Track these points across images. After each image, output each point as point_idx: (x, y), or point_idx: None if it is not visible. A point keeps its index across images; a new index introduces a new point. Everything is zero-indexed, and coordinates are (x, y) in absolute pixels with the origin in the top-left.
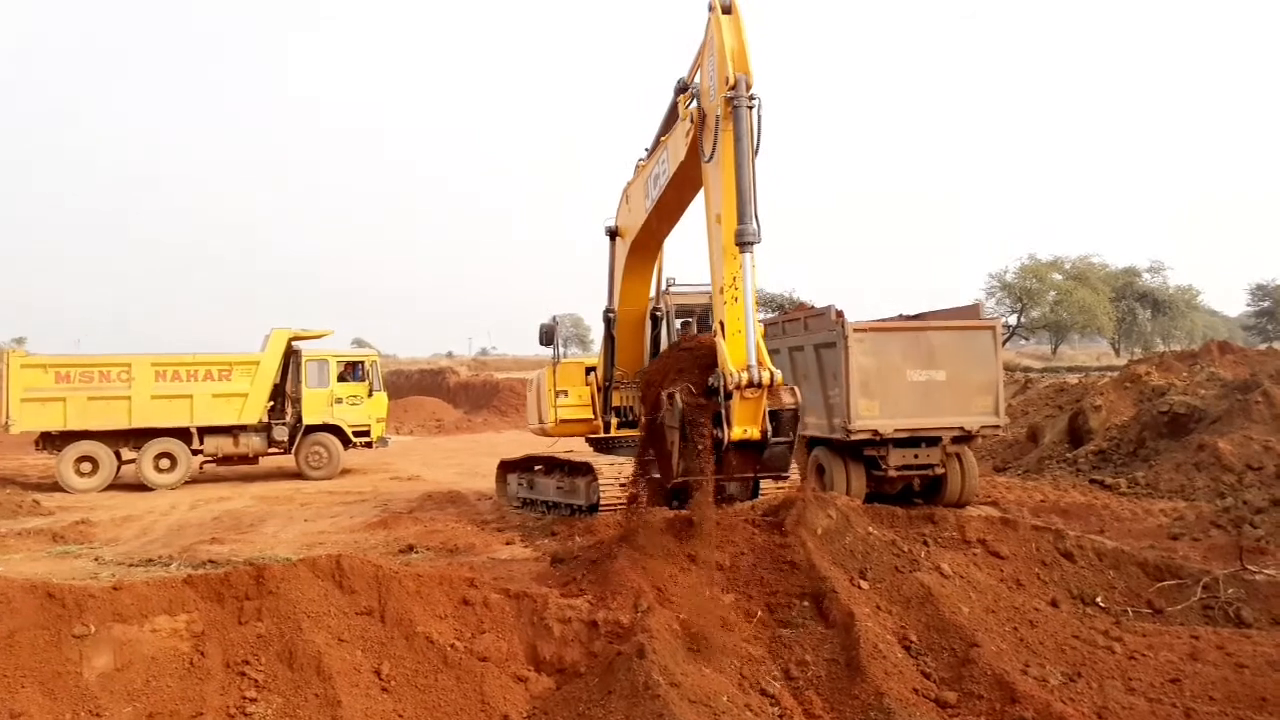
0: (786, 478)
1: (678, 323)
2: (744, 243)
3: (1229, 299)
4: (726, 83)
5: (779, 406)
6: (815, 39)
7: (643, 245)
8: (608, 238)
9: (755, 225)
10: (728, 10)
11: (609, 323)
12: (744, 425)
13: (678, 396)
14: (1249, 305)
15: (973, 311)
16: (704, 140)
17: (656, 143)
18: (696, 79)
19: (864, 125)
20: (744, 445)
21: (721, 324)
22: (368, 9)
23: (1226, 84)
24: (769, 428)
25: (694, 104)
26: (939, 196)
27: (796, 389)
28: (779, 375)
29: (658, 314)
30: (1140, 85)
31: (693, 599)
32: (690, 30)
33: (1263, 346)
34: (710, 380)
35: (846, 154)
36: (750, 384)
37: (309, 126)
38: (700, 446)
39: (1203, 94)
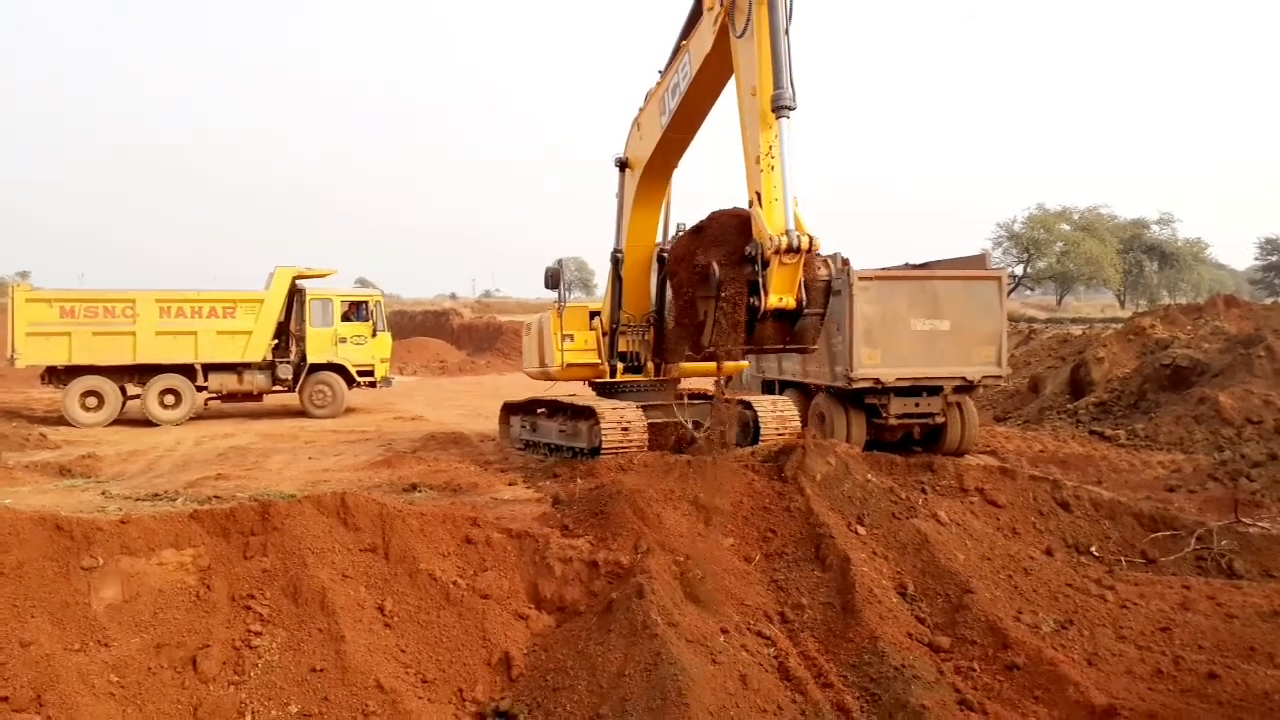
0: (813, 350)
1: None
2: (780, 107)
3: (1238, 253)
4: None
5: (812, 277)
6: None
7: (655, 171)
8: (617, 169)
9: (791, 91)
10: None
11: (616, 263)
12: (780, 293)
13: (714, 265)
14: (1257, 259)
15: (979, 261)
16: (736, 18)
17: (675, 52)
18: None
19: (896, 85)
20: (779, 315)
21: (758, 194)
22: None
23: (1237, 43)
24: (804, 297)
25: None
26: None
27: (830, 260)
28: (818, 240)
29: (665, 256)
30: (1158, 43)
31: (692, 542)
32: None
33: (1269, 301)
34: (747, 249)
35: (867, 124)
36: (790, 248)
37: (317, 51)
38: (736, 317)
39: (1214, 51)
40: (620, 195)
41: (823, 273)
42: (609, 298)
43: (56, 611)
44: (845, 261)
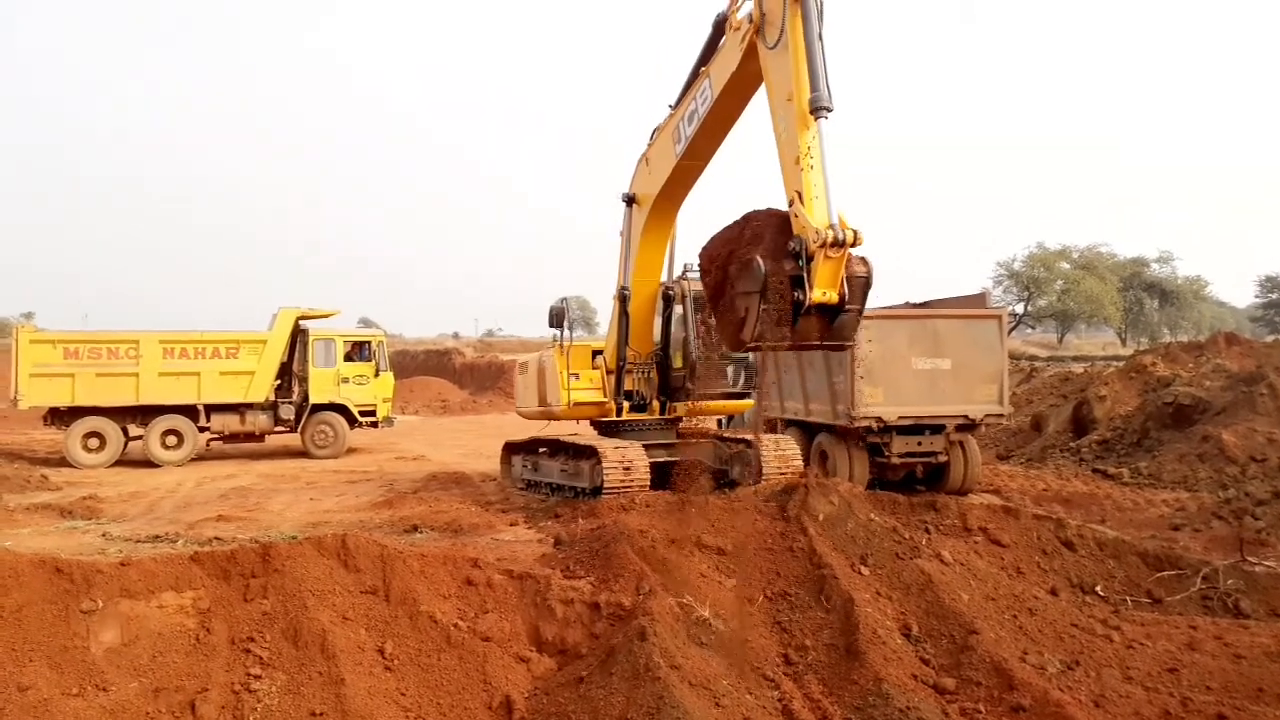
0: (850, 347)
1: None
2: (818, 108)
3: (1238, 290)
4: None
5: (852, 274)
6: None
7: (664, 205)
8: (624, 204)
9: (828, 93)
10: None
11: (624, 300)
12: (824, 287)
13: (759, 259)
14: (1258, 296)
15: (979, 300)
16: (768, 31)
17: (690, 81)
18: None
19: (877, 109)
20: (821, 310)
21: (798, 193)
22: None
23: (1234, 78)
24: (845, 292)
25: (743, 11)
26: (948, 185)
27: (868, 259)
28: (862, 234)
29: (670, 294)
30: (1155, 81)
31: (695, 584)
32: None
33: (1270, 338)
34: (790, 244)
35: (860, 141)
36: (835, 242)
37: (322, 99)
38: (781, 309)
39: (1211, 89)
40: (626, 231)
41: (861, 270)
42: (614, 335)
43: (55, 655)
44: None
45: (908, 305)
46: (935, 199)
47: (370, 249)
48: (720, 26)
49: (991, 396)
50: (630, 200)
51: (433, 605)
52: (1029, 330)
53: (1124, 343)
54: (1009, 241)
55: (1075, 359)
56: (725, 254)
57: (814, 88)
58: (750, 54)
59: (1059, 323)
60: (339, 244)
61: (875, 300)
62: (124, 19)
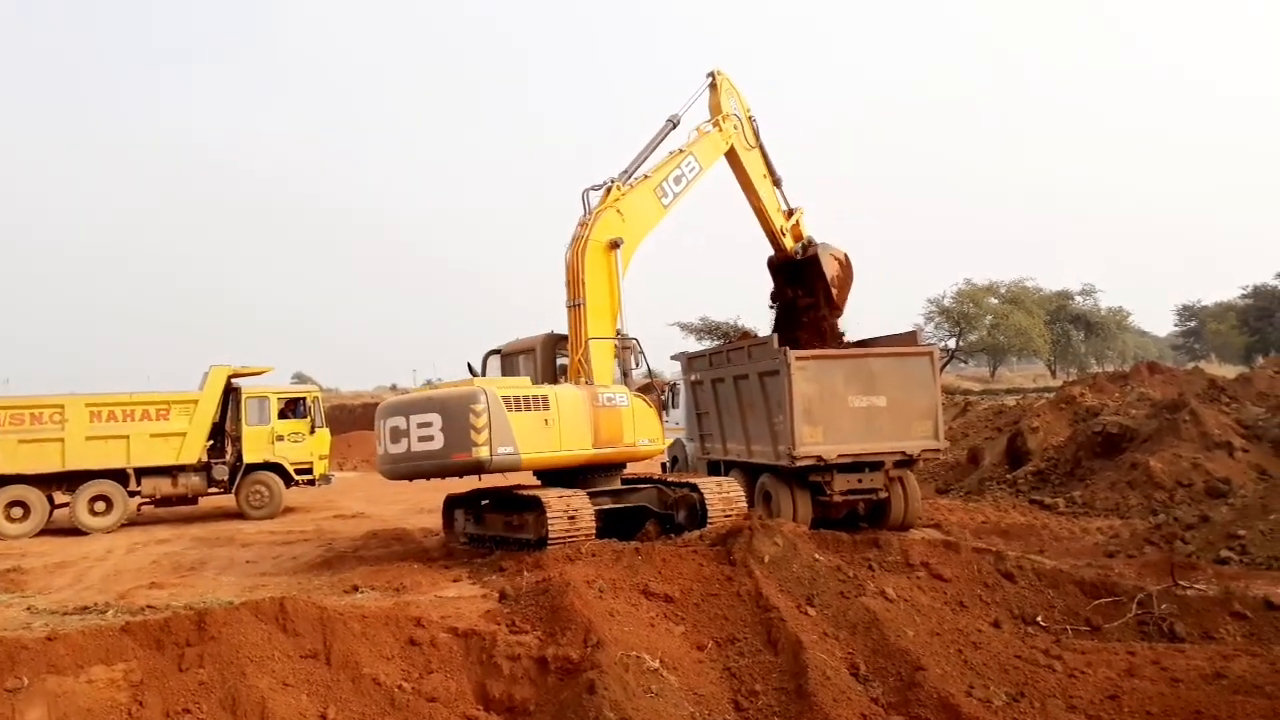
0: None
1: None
2: (778, 180)
3: (1157, 320)
4: (747, 111)
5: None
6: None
7: (634, 251)
8: (610, 250)
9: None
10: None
11: (623, 345)
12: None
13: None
14: (1176, 325)
15: (911, 338)
16: (743, 142)
17: (648, 153)
18: (692, 113)
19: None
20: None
21: (785, 218)
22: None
23: (1148, 110)
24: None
25: (710, 129)
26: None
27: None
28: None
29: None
30: (1062, 109)
31: (643, 633)
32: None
33: (1190, 366)
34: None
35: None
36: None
37: (236, 165)
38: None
39: (1125, 120)
40: (612, 278)
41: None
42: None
43: None
44: (783, 341)
45: (843, 344)
46: (864, 238)
47: (302, 303)
48: (674, 122)
49: (927, 432)
50: (616, 245)
51: (376, 667)
52: (962, 364)
53: (1054, 374)
54: (937, 278)
55: (1008, 391)
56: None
57: (773, 171)
58: (731, 154)
59: (990, 356)
60: (270, 299)
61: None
62: (36, 67)
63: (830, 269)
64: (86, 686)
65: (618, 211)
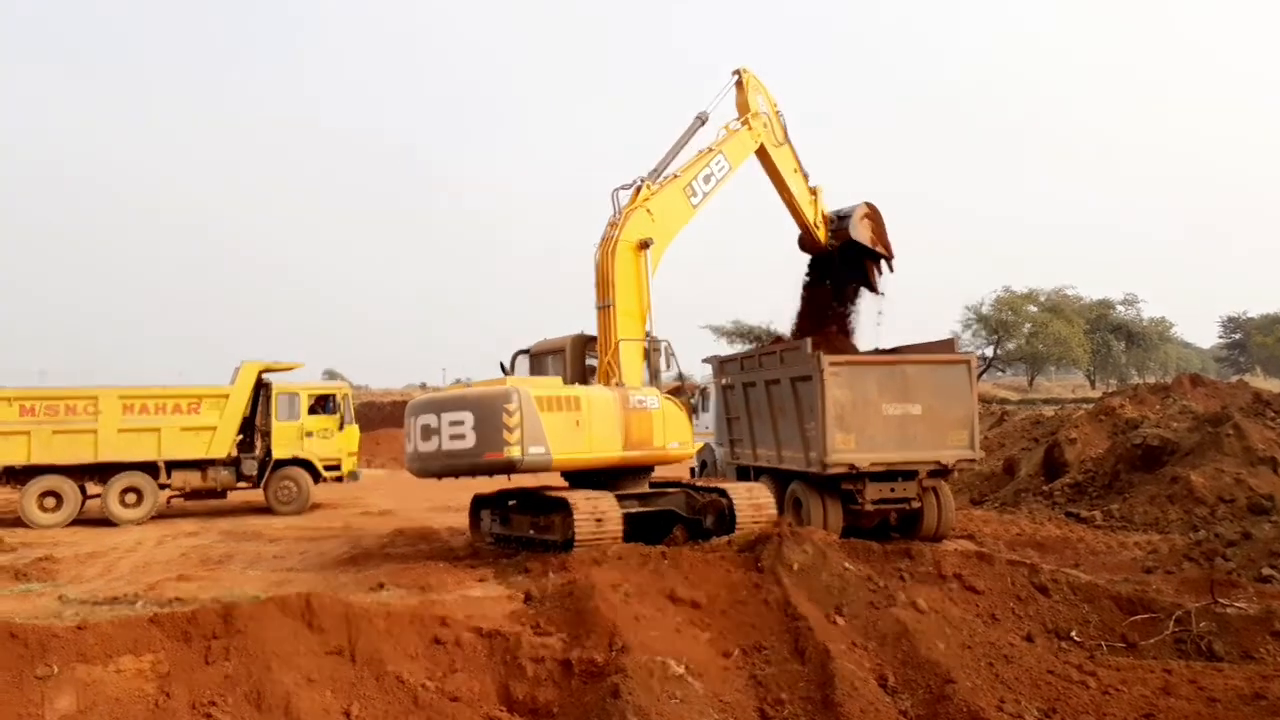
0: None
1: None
2: (805, 174)
3: (1202, 331)
4: (775, 107)
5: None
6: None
7: (664, 251)
8: (640, 251)
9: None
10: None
11: (653, 348)
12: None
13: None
14: (1220, 337)
15: (948, 346)
16: (775, 136)
17: (676, 151)
18: (719, 111)
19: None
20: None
21: (811, 206)
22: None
23: (1192, 121)
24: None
25: (739, 127)
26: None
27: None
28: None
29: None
30: (1110, 119)
31: (668, 638)
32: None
33: (1234, 379)
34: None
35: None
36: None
37: (287, 141)
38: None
39: (1171, 129)
40: (640, 278)
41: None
42: (639, 380)
43: None
44: (816, 346)
45: (877, 351)
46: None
47: (335, 300)
48: (703, 119)
49: (963, 441)
50: (646, 244)
51: (400, 665)
52: (999, 373)
53: (1093, 385)
54: (976, 284)
55: (1046, 401)
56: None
57: (800, 166)
58: (761, 151)
59: (1028, 365)
60: (303, 296)
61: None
62: (78, 59)
63: (864, 234)
64: (115, 676)
65: (647, 211)
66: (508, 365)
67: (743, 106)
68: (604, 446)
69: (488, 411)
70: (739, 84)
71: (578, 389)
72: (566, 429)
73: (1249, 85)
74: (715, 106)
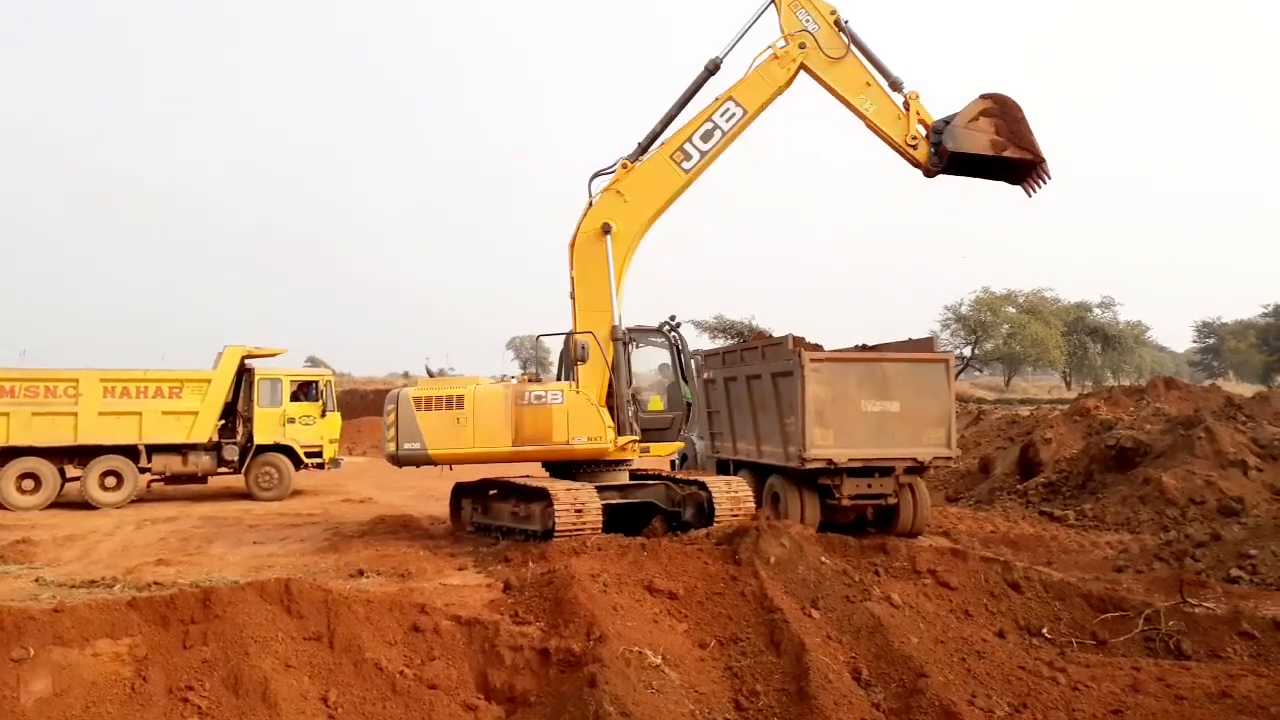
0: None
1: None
2: (897, 85)
3: (1176, 335)
4: (832, 14)
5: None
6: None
7: (640, 232)
8: (602, 236)
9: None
10: None
11: (619, 339)
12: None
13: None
14: (1195, 342)
15: (927, 344)
16: (827, 51)
17: (672, 116)
18: (738, 53)
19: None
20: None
21: (912, 119)
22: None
23: (1173, 125)
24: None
25: (767, 56)
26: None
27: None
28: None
29: (625, 339)
30: (1093, 123)
31: (646, 629)
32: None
33: (1207, 383)
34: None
35: (820, 191)
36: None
37: (263, 128)
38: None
39: (1148, 134)
40: (600, 267)
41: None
42: (609, 372)
43: None
44: (798, 343)
45: (859, 348)
46: (878, 246)
47: (318, 286)
48: (712, 68)
49: (940, 439)
50: (608, 229)
51: (378, 652)
52: (976, 373)
53: (1069, 386)
54: (955, 284)
55: (1022, 402)
56: None
57: (886, 72)
58: (808, 73)
59: (1005, 366)
60: (286, 280)
61: (828, 344)
62: (77, 32)
63: (975, 143)
64: (91, 659)
65: (618, 193)
66: (445, 367)
67: (786, 30)
68: (489, 441)
69: (387, 411)
70: (774, 2)
71: (465, 388)
72: (445, 426)
73: (1222, 93)
74: (731, 49)
